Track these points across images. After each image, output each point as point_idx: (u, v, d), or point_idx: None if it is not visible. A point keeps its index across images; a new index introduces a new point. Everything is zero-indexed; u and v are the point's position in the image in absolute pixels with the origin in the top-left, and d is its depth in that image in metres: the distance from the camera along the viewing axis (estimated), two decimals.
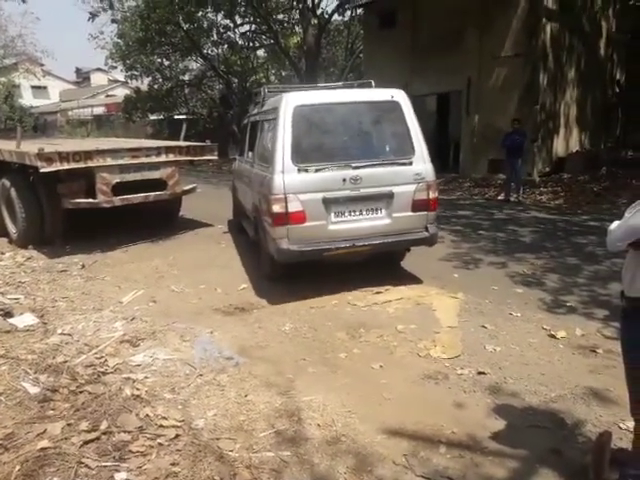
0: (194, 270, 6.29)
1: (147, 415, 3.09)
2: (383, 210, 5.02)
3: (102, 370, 3.65)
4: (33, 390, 3.34)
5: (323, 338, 4.25)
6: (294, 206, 4.74)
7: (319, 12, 22.16)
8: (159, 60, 26.95)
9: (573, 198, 11.08)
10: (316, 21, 21.59)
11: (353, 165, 4.88)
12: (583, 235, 7.68)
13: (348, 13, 23.47)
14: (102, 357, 3.86)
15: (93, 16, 23.34)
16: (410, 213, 5.07)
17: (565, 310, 4.72)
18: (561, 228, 8.33)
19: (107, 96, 43.72)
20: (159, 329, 4.47)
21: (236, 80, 26.63)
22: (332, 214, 4.90)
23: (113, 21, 24.89)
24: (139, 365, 3.77)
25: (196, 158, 8.13)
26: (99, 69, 48.03)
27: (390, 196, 4.97)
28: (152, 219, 8.42)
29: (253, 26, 24.63)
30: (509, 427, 2.99)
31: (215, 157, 8.60)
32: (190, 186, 8.26)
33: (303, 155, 4.85)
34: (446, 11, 14.54)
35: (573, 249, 6.85)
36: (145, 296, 5.37)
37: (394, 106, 5.10)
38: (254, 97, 7.50)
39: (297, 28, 24.11)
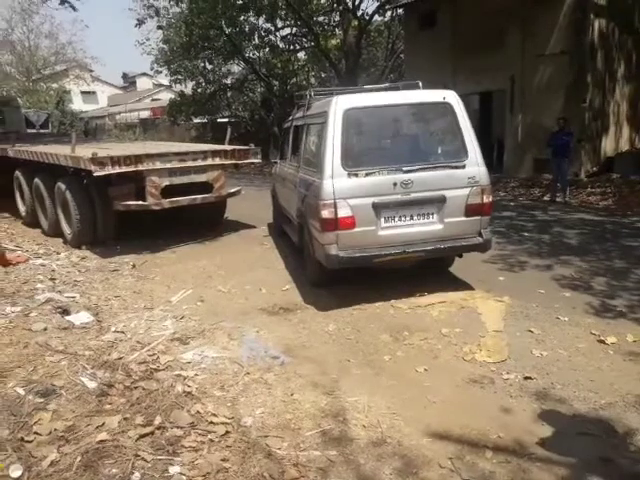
0: (239, 271, 6.45)
1: (198, 412, 3.21)
2: (435, 215, 4.89)
3: (154, 367, 3.81)
4: (91, 385, 3.51)
5: (367, 340, 4.30)
6: (344, 212, 4.66)
7: (359, 13, 22.17)
8: (202, 64, 27.51)
9: (623, 199, 10.72)
10: (356, 22, 21.62)
11: (404, 169, 4.76)
12: (633, 237, 7.45)
13: (388, 14, 23.42)
14: (154, 354, 4.03)
15: (140, 23, 24.02)
16: (463, 218, 4.93)
17: (614, 315, 4.60)
18: (609, 230, 8.09)
19: (152, 100, 44.97)
20: (208, 328, 4.61)
21: (277, 83, 26.90)
22: (382, 219, 4.80)
23: (159, 27, 25.55)
24: (189, 363, 3.92)
25: (241, 162, 8.33)
26: (145, 74, 49.51)
27: (442, 200, 4.84)
28: (198, 221, 8.68)
29: (294, 29, 24.85)
30: (557, 433, 2.96)
31: (259, 160, 8.77)
32: (235, 189, 8.48)
33: (353, 159, 4.77)
34: (486, 10, 14.29)
35: (622, 252, 6.65)
36: (193, 296, 5.54)
37: (446, 108, 4.97)
38: (297, 100, 7.57)
39: (337, 30, 24.17)
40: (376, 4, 22.42)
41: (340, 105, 4.82)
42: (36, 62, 39.26)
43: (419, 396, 3.42)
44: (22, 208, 9.59)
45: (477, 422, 3.08)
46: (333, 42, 24.60)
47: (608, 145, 13.96)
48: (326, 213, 4.68)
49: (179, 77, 27.71)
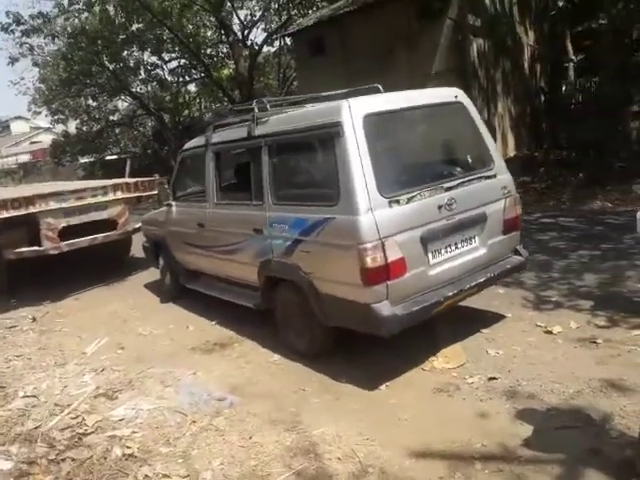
0: (158, 310, 5.91)
1: (146, 476, 2.73)
2: (477, 238, 3.96)
3: (81, 431, 3.24)
4: (5, 465, 2.88)
5: (318, 364, 3.99)
6: (394, 254, 3.41)
7: (249, 43, 22.31)
8: (86, 102, 26.15)
9: (520, 198, 11.34)
10: (247, 52, 21.68)
11: (445, 185, 3.77)
12: (542, 232, 7.81)
13: (276, 43, 23.71)
14: (78, 416, 3.44)
15: (13, 61, 22.39)
16: (502, 237, 4.14)
17: (552, 305, 4.69)
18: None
19: (31, 143, 42.05)
20: (135, 377, 4.08)
21: (168, 116, 26.15)
22: (430, 255, 3.67)
23: (35, 64, 24.05)
24: (122, 420, 3.39)
25: (145, 194, 7.71)
26: (20, 117, 46.53)
27: (484, 219, 3.98)
28: (102, 261, 7.88)
29: (182, 61, 24.41)
30: (538, 431, 2.84)
31: None
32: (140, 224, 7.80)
33: (390, 181, 3.59)
34: (372, 33, 14.90)
35: (537, 246, 6.90)
36: (111, 343, 4.94)
37: (460, 109, 4.16)
38: (216, 118, 6.76)
39: (228, 60, 24.09)
40: (264, 34, 22.71)
41: (357, 110, 3.54)
42: None
43: (388, 415, 3.18)
44: None
45: (456, 433, 2.89)
46: (225, 72, 24.43)
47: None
48: (371, 260, 3.36)
49: (61, 116, 26.18)
